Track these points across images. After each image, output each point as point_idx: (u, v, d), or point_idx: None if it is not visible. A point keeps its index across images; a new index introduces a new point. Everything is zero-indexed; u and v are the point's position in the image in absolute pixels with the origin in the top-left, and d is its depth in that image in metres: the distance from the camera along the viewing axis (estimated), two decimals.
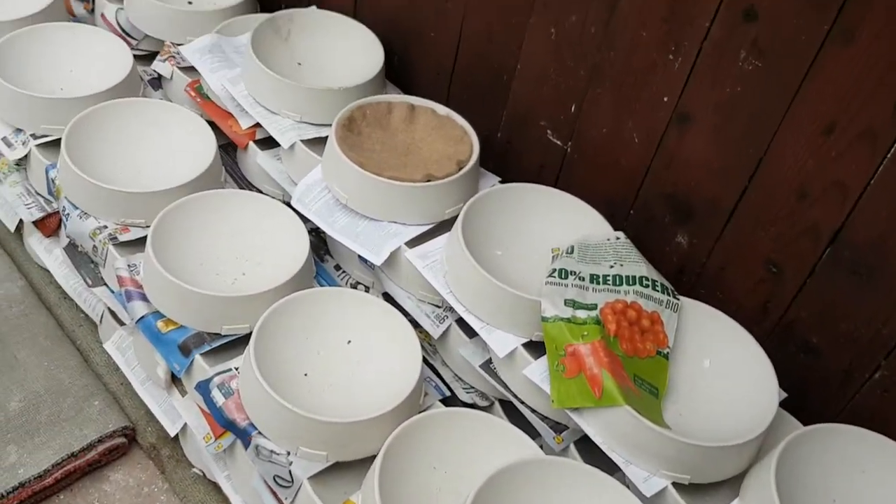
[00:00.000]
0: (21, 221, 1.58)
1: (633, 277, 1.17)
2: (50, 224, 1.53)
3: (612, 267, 1.19)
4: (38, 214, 1.51)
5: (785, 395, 1.16)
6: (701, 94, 1.16)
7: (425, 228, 1.33)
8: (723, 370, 1.17)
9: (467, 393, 1.29)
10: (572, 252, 1.20)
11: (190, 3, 1.73)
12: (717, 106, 1.15)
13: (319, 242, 1.49)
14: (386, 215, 1.33)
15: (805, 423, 1.13)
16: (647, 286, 1.17)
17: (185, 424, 1.36)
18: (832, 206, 1.09)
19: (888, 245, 1.07)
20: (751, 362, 1.15)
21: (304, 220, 1.37)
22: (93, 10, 1.81)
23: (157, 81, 1.67)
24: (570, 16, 1.27)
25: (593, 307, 1.13)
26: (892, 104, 0.99)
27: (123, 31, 1.71)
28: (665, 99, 1.21)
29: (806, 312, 1.19)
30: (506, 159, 1.51)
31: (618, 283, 1.17)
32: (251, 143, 1.52)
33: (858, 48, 0.99)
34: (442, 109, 1.46)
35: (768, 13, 1.05)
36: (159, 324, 1.29)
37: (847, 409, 1.20)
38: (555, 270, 1.17)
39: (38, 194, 1.54)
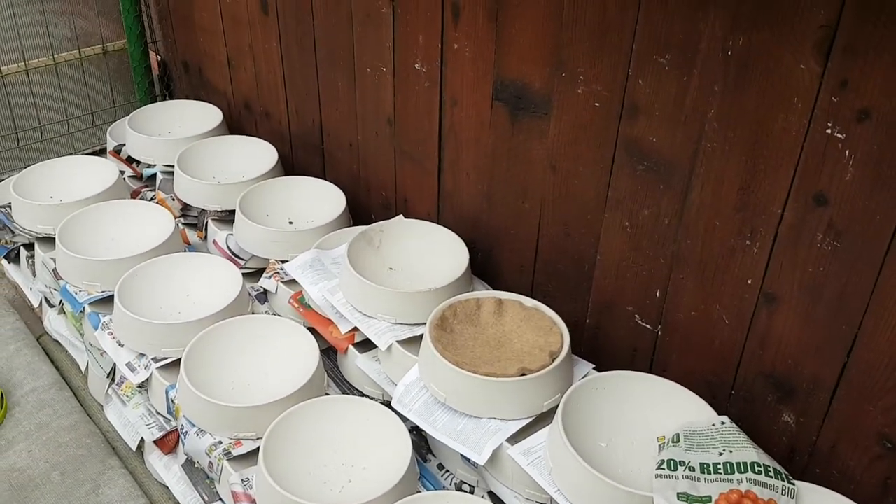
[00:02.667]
0: (142, 439, 1.67)
1: (745, 464, 1.15)
2: (169, 442, 1.62)
3: (721, 454, 1.17)
4: (159, 434, 1.61)
5: None
6: (784, 276, 1.19)
7: (525, 422, 1.35)
8: None
9: None
10: (678, 440, 1.20)
11: (291, 223, 1.91)
12: (801, 285, 1.18)
13: (421, 441, 1.52)
14: (485, 412, 1.36)
15: None
16: (759, 472, 1.14)
17: None
18: None
19: None
20: None
21: (405, 419, 1.41)
22: (205, 238, 2.01)
23: (264, 295, 1.81)
24: (643, 210, 1.35)
25: (707, 500, 1.10)
26: None
27: (233, 253, 1.89)
28: (749, 281, 1.24)
29: None
30: (597, 345, 1.54)
31: (729, 471, 1.14)
32: (351, 347, 1.60)
33: None
34: (529, 301, 1.52)
35: (838, 197, 1.09)
36: None
37: None
38: (663, 462, 1.16)
39: (159, 414, 1.64)
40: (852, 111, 1.04)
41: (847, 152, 1.06)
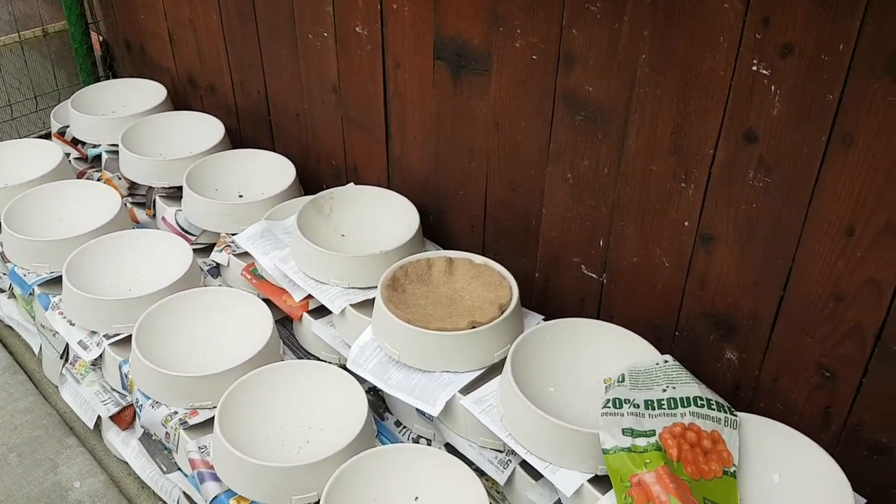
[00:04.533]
0: (99, 418, 1.66)
1: (687, 399, 1.18)
2: (125, 417, 1.61)
3: (664, 391, 1.20)
4: (115, 409, 1.60)
5: (864, 500, 1.13)
6: (718, 215, 1.22)
7: (477, 374, 1.37)
8: (794, 483, 1.14)
9: None
10: (623, 380, 1.22)
11: (241, 196, 1.90)
12: (736, 223, 1.20)
13: (378, 401, 1.54)
14: (437, 366, 1.38)
15: None
16: (702, 406, 1.17)
17: None
18: (870, 304, 1.11)
19: None
20: (821, 471, 1.12)
21: (362, 381, 1.43)
22: (154, 215, 1.99)
23: (216, 269, 1.80)
24: (583, 160, 1.37)
25: (652, 433, 1.13)
26: None
27: (182, 229, 1.87)
28: (686, 223, 1.26)
29: (869, 413, 1.17)
30: (546, 298, 1.57)
31: (673, 406, 1.17)
32: (305, 314, 1.61)
33: (860, 149, 1.04)
34: (478, 259, 1.53)
35: (767, 133, 1.12)
36: (231, 503, 1.32)
37: None
38: (609, 401, 1.19)
39: (114, 390, 1.63)
40: (775, 47, 1.07)
41: (773, 88, 1.09)
